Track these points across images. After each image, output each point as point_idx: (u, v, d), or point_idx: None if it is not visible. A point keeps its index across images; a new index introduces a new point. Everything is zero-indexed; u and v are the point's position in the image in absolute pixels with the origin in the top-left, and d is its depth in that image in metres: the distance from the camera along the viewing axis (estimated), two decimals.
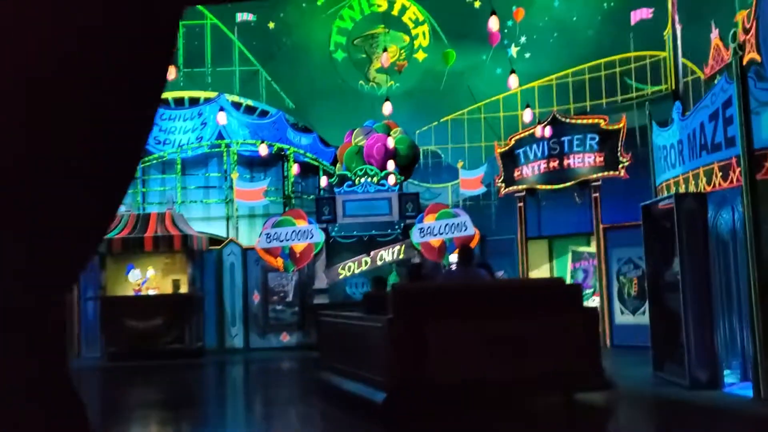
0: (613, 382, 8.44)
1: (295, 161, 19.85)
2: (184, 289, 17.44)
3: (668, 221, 10.23)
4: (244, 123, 19.82)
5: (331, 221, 17.61)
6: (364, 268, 17.38)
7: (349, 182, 18.08)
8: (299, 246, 17.27)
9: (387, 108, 15.06)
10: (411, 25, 22.94)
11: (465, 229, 16.92)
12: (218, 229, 19.73)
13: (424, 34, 22.88)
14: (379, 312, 7.93)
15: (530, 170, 16.77)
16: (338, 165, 18.82)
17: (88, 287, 18.01)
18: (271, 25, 22.91)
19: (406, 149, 18.23)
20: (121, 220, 17.45)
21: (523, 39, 22.13)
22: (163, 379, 14.28)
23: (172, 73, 12.20)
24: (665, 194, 10.89)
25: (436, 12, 22.91)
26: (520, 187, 16.93)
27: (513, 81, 14.25)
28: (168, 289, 17.49)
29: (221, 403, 11.71)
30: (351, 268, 17.42)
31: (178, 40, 23.57)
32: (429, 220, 17.39)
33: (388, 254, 17.40)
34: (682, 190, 10.04)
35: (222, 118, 15.39)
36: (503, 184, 17.33)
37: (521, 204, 17.05)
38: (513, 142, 17.21)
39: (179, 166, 19.71)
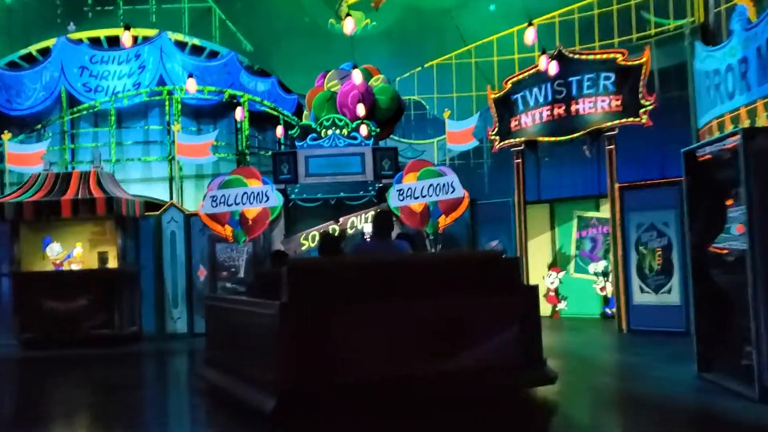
0: (555, 375, 7.24)
1: (249, 110, 16.91)
2: (113, 263, 14.63)
3: (724, 171, 7.55)
4: (190, 65, 16.81)
5: (292, 181, 14.82)
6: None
7: (314, 135, 15.26)
8: (252, 211, 14.51)
9: (349, 26, 12.06)
10: None
11: (452, 191, 14.20)
12: (161, 193, 16.88)
13: None
14: (271, 295, 6.22)
15: (530, 119, 14.00)
16: (305, 113, 15.93)
17: (2, 261, 15.16)
18: None
19: (388, 101, 15.48)
20: (37, 181, 14.53)
21: None
22: (74, 373, 11.49)
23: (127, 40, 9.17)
24: (713, 136, 8.10)
25: None
26: (517, 140, 14.19)
27: (530, 35, 11.39)
28: (95, 264, 14.67)
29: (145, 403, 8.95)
30: (316, 237, 14.66)
31: None
32: (409, 180, 14.64)
33: (360, 221, 14.65)
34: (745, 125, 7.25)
35: (192, 85, 12.34)
36: (497, 138, 14.57)
37: (519, 161, 14.32)
38: (509, 85, 14.40)
39: (113, 118, 16.80)
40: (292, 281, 6.05)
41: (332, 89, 15.90)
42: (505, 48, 19.06)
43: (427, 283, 6.70)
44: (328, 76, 16.02)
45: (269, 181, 14.72)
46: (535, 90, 13.93)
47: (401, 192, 14.57)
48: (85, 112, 17.04)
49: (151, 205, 15.86)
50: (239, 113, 14.13)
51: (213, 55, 17.49)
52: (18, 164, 15.87)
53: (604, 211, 13.80)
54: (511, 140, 14.32)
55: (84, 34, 17.49)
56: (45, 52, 17.36)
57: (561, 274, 14.63)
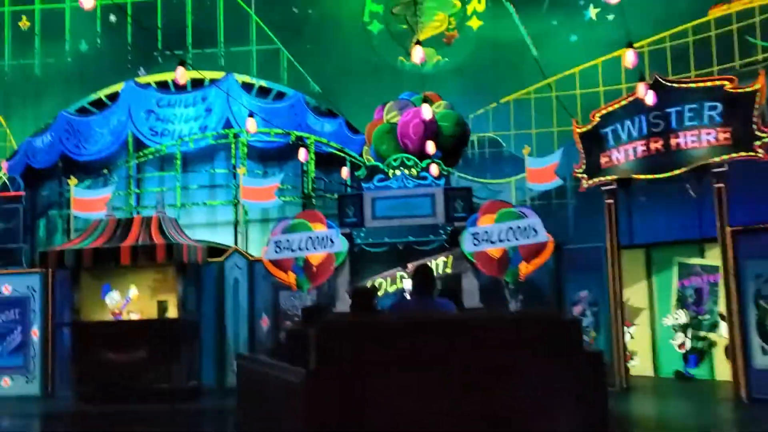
0: None
1: (315, 152, 16.23)
2: (173, 312, 14.01)
3: None
4: (256, 107, 16.35)
5: (357, 225, 13.90)
6: (400, 285, 13.55)
7: (381, 175, 14.33)
8: (316, 257, 13.65)
9: (417, 54, 11.05)
10: None
11: (534, 235, 12.90)
12: (225, 238, 16.29)
13: None
14: (299, 358, 5.31)
15: (623, 154, 12.65)
16: (365, 148, 15.03)
17: (64, 310, 14.85)
18: None
19: (452, 127, 14.38)
20: (98, 227, 14.18)
21: None
22: None
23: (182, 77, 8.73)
24: None
25: None
26: (608, 177, 12.84)
27: (630, 57, 10.22)
28: (155, 313, 14.10)
29: None
30: (383, 285, 13.61)
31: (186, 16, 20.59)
32: (485, 223, 13.43)
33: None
34: None
35: (252, 125, 11.77)
36: (585, 176, 13.24)
37: (610, 201, 12.93)
38: (598, 118, 13.13)
39: (179, 162, 16.46)
40: (322, 344, 5.01)
41: (391, 120, 14.85)
42: (589, 80, 17.80)
43: (474, 348, 5.63)
44: (386, 107, 15.05)
45: (334, 226, 13.85)
46: (628, 123, 12.60)
47: (476, 236, 13.37)
48: (150, 157, 16.81)
49: (215, 250, 15.29)
50: (302, 154, 13.45)
51: (280, 96, 17.04)
52: (83, 210, 15.69)
53: (711, 258, 12.18)
54: (601, 178, 12.96)
55: (152, 78, 17.42)
56: (114, 97, 17.35)
57: (632, 329, 13.01)
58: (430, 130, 14.24)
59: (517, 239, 13.17)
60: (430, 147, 13.61)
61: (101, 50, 20.45)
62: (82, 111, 17.68)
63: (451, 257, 13.54)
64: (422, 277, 6.28)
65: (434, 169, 13.72)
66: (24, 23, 20.92)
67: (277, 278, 14.00)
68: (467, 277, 13.41)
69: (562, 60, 18.10)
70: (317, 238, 13.75)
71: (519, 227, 13.22)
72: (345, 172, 14.51)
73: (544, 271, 13.50)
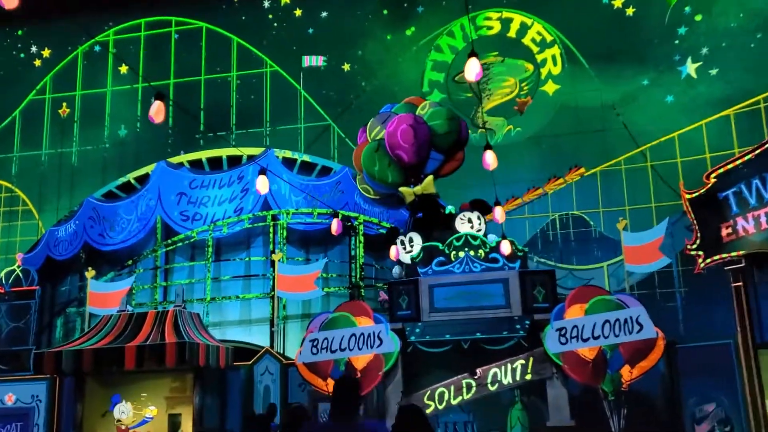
0: None
1: (365, 234, 14.21)
2: (188, 429, 11.82)
3: None
4: (298, 184, 14.63)
5: (412, 319, 11.62)
6: (467, 396, 11.01)
7: (441, 257, 12.11)
8: (361, 359, 11.39)
9: (489, 159, 9.20)
10: (535, 48, 17.37)
11: (639, 330, 10.26)
12: (262, 337, 14.21)
13: (554, 58, 17.19)
14: None
15: (752, 223, 10.06)
16: (358, 178, 13.63)
17: (68, 425, 12.92)
18: (347, 67, 18.30)
19: (444, 123, 13.01)
20: (107, 324, 12.38)
21: (704, 50, 15.76)
22: None
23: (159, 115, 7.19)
24: None
25: (570, 28, 17.26)
26: (734, 253, 10.17)
27: None
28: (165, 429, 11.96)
29: None
30: (445, 396, 11.09)
31: (231, 96, 19.62)
32: (574, 315, 10.90)
33: (505, 373, 10.91)
34: None
35: (263, 184, 9.97)
36: (701, 253, 10.62)
37: (739, 284, 10.22)
38: (714, 179, 10.63)
39: (210, 249, 14.76)
40: None
41: (377, 138, 13.46)
42: (691, 146, 15.38)
43: None
44: (369, 126, 13.72)
45: (383, 320, 11.58)
46: (757, 182, 10.06)
47: (563, 332, 10.78)
48: (180, 244, 15.21)
49: (246, 352, 13.19)
50: (335, 226, 11.50)
51: (325, 172, 15.31)
52: (99, 306, 14.05)
53: None
54: (725, 255, 10.30)
55: (185, 157, 16.13)
56: (144, 180, 16.07)
57: None
58: (421, 133, 12.95)
59: (616, 335, 10.50)
60: (505, 247, 11.27)
61: (140, 135, 19.59)
62: (110, 196, 16.44)
63: (531, 359, 10.94)
64: (344, 391, 5.02)
65: (506, 247, 11.38)
66: (64, 110, 20.43)
67: (313, 386, 11.68)
68: (553, 385, 10.73)
69: (656, 124, 15.83)
70: (362, 335, 11.50)
71: (618, 320, 10.57)
72: (393, 252, 12.34)
73: (655, 378, 10.69)
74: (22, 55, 21.12)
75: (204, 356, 11.71)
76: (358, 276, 14.05)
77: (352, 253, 14.32)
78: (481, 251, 12.08)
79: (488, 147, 8.86)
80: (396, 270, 13.36)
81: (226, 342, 13.26)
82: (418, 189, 13.14)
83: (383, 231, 14.26)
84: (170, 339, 11.61)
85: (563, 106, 16.94)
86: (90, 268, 14.63)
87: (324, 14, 18.97)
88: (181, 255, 15.57)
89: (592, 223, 15.45)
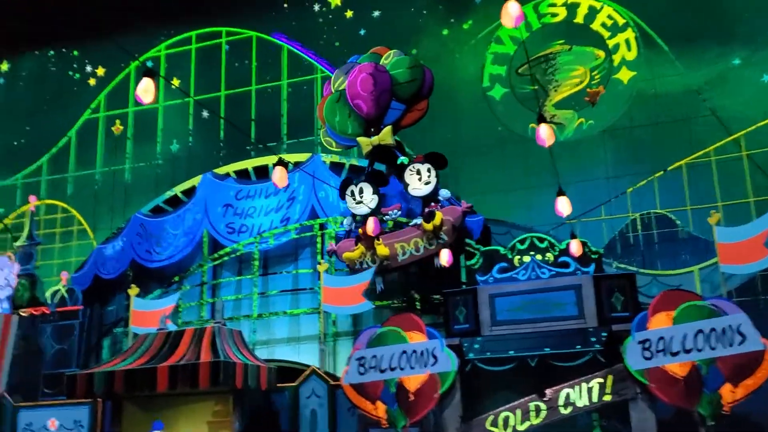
0: None
1: None
2: None
3: None
4: None
5: (471, 333, 10.41)
6: (536, 421, 9.64)
7: (503, 264, 10.83)
8: (414, 380, 10.21)
9: (544, 133, 8.06)
10: (606, 33, 15.88)
11: (741, 341, 8.65)
12: (311, 356, 13.20)
13: (628, 43, 15.65)
14: None
15: None
16: (322, 131, 13.84)
17: None
18: None
19: (406, 72, 12.89)
20: (143, 343, 11.65)
21: None
22: None
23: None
24: None
25: (644, 8, 15.70)
26: None
27: None
28: None
29: None
30: (510, 421, 9.76)
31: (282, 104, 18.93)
32: (660, 324, 9.37)
33: (580, 394, 9.48)
34: None
35: (280, 177, 8.97)
36: None
37: None
38: None
39: (257, 263, 13.95)
40: None
41: (340, 88, 13.29)
42: None
43: None
44: (333, 77, 13.71)
45: (438, 335, 10.37)
46: None
47: (647, 344, 9.27)
48: (226, 258, 14.46)
49: (295, 372, 12.22)
50: (371, 225, 10.54)
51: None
52: (141, 325, 13.44)
53: None
54: None
55: (230, 168, 15.42)
56: (190, 193, 15.44)
57: None
58: (382, 81, 12.66)
59: (712, 348, 8.93)
60: (575, 247, 10.01)
61: (192, 149, 19.12)
62: (157, 211, 15.90)
63: (610, 377, 9.48)
64: None
65: (575, 247, 9.99)
66: (117, 128, 20.25)
67: (362, 410, 10.55)
68: (637, 408, 9.23)
69: (751, 108, 14.05)
70: (414, 352, 10.37)
71: (714, 330, 9.00)
72: (445, 256, 11.11)
73: (764, 399, 8.98)
74: (77, 76, 21.14)
75: (241, 377, 10.79)
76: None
77: None
78: (549, 254, 10.75)
79: (542, 119, 7.57)
80: (346, 221, 13.05)
81: (271, 362, 12.32)
82: (375, 139, 12.87)
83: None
84: (205, 358, 10.73)
85: (640, 94, 15.32)
86: (133, 286, 14.05)
87: (376, 13, 18.05)
88: (228, 269, 14.81)
89: (678, 222, 13.73)
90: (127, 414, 11.83)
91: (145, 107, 20.22)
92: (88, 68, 20.99)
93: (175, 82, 19.94)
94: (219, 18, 19.91)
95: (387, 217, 12.77)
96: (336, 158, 14.53)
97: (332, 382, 11.43)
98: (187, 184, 15.67)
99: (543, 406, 9.67)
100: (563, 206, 9.00)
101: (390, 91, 12.78)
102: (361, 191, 12.75)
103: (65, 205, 20.03)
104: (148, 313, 13.48)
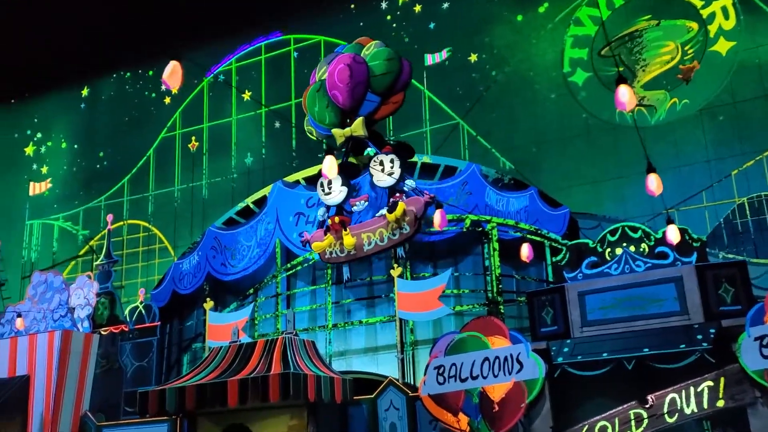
0: None
1: (499, 239, 12.21)
2: None
3: None
4: (419, 190, 12.98)
5: (559, 336, 9.53)
6: (637, 431, 8.63)
7: (592, 258, 9.93)
8: (498, 389, 9.44)
9: (624, 95, 7.21)
10: (699, 3, 14.65)
11: None
12: (390, 366, 12.62)
13: (725, 10, 14.36)
14: None
15: None
16: (305, 119, 13.82)
17: None
18: (473, 58, 16.56)
19: (383, 64, 12.82)
20: (216, 356, 11.39)
21: None
22: None
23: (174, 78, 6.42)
24: None
25: None
26: None
27: None
28: None
29: None
30: (607, 431, 8.79)
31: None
32: None
33: (688, 400, 8.44)
34: None
35: (329, 166, 8.67)
36: None
37: None
38: None
39: (330, 272, 13.46)
40: None
41: (322, 78, 13.35)
42: None
43: None
44: (318, 66, 13.81)
45: (522, 339, 9.54)
46: None
47: (766, 341, 8.11)
48: (299, 268, 14.08)
49: (373, 384, 11.63)
50: (526, 251, 10.17)
51: (450, 172, 13.54)
52: (216, 338, 13.23)
53: None
54: None
55: (300, 174, 15.11)
56: (262, 203, 15.22)
57: None
58: (358, 72, 12.59)
59: None
60: (673, 234, 9.02)
61: (266, 160, 19.06)
62: (231, 223, 15.78)
63: (722, 380, 8.41)
64: None
65: (673, 233, 8.96)
66: (193, 144, 20.49)
67: (443, 423, 9.84)
68: (757, 414, 8.12)
69: None
70: (497, 359, 9.58)
71: None
72: (525, 250, 10.27)
73: None
74: (153, 95, 21.60)
75: (314, 389, 10.29)
76: (495, 290, 12.04)
77: (486, 263, 12.36)
78: (644, 245, 9.75)
79: (621, 80, 6.70)
80: (320, 212, 13.14)
81: (348, 373, 11.79)
82: (347, 131, 12.95)
83: (521, 234, 12.17)
84: (276, 370, 10.32)
85: (742, 66, 14.01)
86: (208, 299, 13.90)
87: (445, 5, 17.46)
88: (302, 279, 14.44)
89: None
90: (204, 431, 11.59)
91: (219, 121, 20.39)
92: (164, 87, 21.36)
93: (246, 95, 19.99)
94: (287, 26, 19.86)
95: (354, 208, 12.85)
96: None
97: (411, 394, 10.77)
98: (258, 194, 15.47)
99: (645, 414, 8.67)
100: (653, 184, 8.03)
101: (365, 82, 12.76)
102: (330, 183, 12.84)
103: (146, 224, 20.42)
104: (224, 327, 13.26)
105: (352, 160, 13.30)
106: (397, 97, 13.27)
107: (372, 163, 12.53)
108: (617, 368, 8.90)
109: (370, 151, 12.95)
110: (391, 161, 12.39)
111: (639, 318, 9.16)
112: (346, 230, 12.50)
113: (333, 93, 13.10)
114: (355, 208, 13.00)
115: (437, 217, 9.79)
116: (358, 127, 12.86)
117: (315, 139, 14.34)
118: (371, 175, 12.71)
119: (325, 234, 12.75)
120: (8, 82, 22.53)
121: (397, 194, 12.29)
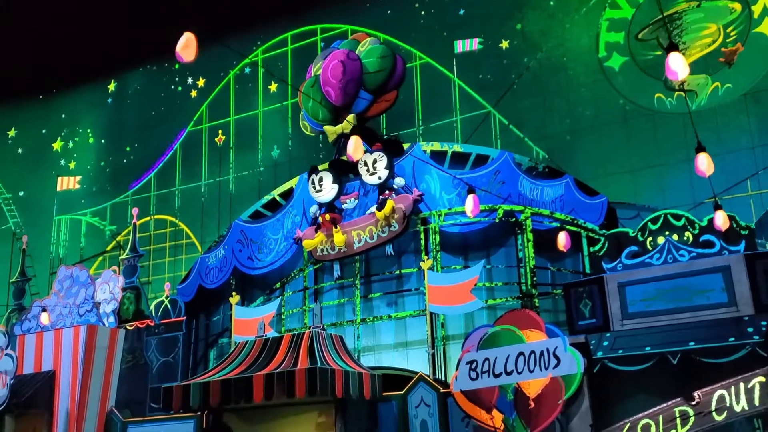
0: None
1: (534, 229, 11.81)
2: None
3: None
4: (448, 179, 12.64)
5: (598, 329, 9.14)
6: (682, 430, 8.25)
7: (633, 247, 9.52)
8: (533, 384, 9.09)
9: (676, 63, 6.67)
10: None
11: None
12: (421, 362, 12.29)
13: None
14: None
15: None
16: (300, 114, 14.30)
17: None
18: (505, 44, 16.14)
19: (376, 61, 12.90)
20: (242, 351, 11.19)
21: None
22: None
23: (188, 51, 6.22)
24: None
25: None
26: None
27: None
28: None
29: None
30: (651, 430, 8.40)
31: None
32: None
33: (737, 396, 7.99)
34: None
35: (355, 147, 8.43)
36: None
37: None
38: None
39: (357, 265, 13.18)
40: None
41: (317, 73, 13.52)
42: None
43: None
44: (314, 61, 14.00)
45: (559, 332, 9.16)
46: None
47: None
48: (327, 262, 13.76)
49: (403, 380, 11.33)
50: (563, 239, 9.84)
51: (481, 161, 13.16)
52: (242, 333, 13.03)
53: None
54: None
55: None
56: (288, 195, 14.98)
57: None
58: (351, 69, 12.70)
59: None
60: (721, 220, 8.59)
61: (292, 153, 18.84)
62: (257, 216, 15.57)
63: None
64: None
65: (721, 219, 8.50)
66: (219, 138, 20.35)
67: (476, 420, 9.50)
68: None
69: None
70: (533, 353, 9.17)
71: None
72: (563, 239, 9.87)
73: None
74: (179, 89, 21.52)
75: (342, 385, 10.01)
76: (529, 282, 11.65)
77: (520, 255, 11.96)
78: (687, 234, 9.30)
79: (672, 47, 6.26)
80: (313, 209, 13.17)
81: (377, 369, 11.49)
82: (338, 128, 13.10)
83: (557, 224, 11.75)
84: (302, 365, 10.06)
85: None
86: (234, 294, 13.71)
87: None
88: (330, 273, 14.16)
89: None
90: (231, 427, 11.39)
91: (245, 114, 20.22)
92: (189, 80, 21.29)
93: (273, 87, 19.81)
94: (313, 15, 19.61)
95: (345, 205, 12.93)
96: (437, 146, 13.58)
97: (442, 390, 10.45)
98: (285, 186, 15.23)
99: (691, 411, 8.24)
100: (704, 164, 7.57)
101: (358, 79, 12.88)
102: (321, 180, 13.00)
103: (173, 219, 20.34)
104: (250, 321, 13.05)
105: (343, 158, 13.26)
106: (390, 95, 13.47)
107: (360, 162, 12.59)
108: (661, 363, 8.47)
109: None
110: (375, 161, 12.49)
111: (684, 310, 8.73)
112: (336, 228, 12.61)
113: (326, 89, 13.25)
114: (345, 205, 13.14)
115: (470, 203, 9.43)
116: (348, 125, 13.04)
117: (309, 134, 14.56)
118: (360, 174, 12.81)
119: (316, 231, 12.90)
120: (36, 78, 22.66)
121: (386, 192, 12.37)
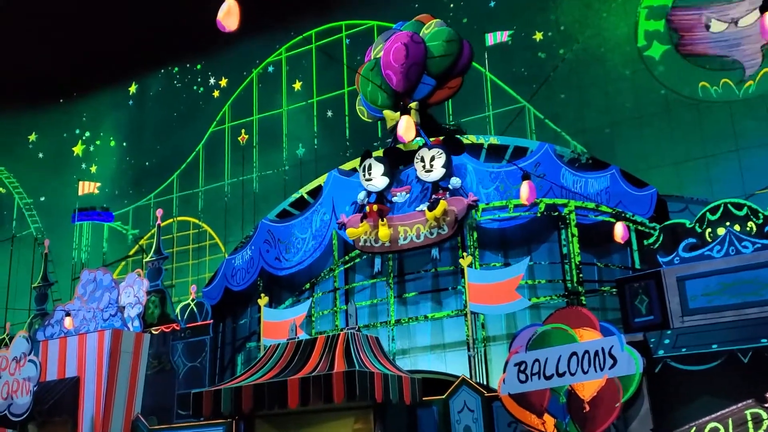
0: None
1: (578, 223, 11.26)
2: None
3: None
4: (484, 173, 12.13)
5: (657, 326, 8.60)
6: None
7: (691, 240, 8.96)
8: (589, 386, 8.55)
9: None
10: None
11: None
12: (460, 365, 11.77)
13: None
14: None
15: None
16: (357, 99, 13.72)
17: None
18: (538, 36, 15.62)
19: (442, 45, 12.21)
20: (274, 354, 10.72)
21: None
22: None
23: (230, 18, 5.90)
24: None
25: None
26: None
27: None
28: None
29: None
30: None
31: None
32: None
33: None
34: None
35: (407, 127, 8.03)
36: None
37: None
38: None
39: (391, 263, 12.69)
40: None
41: (378, 56, 12.83)
42: None
43: None
44: (374, 44, 13.32)
45: (615, 330, 8.61)
46: None
47: None
48: (358, 260, 13.33)
49: (443, 384, 10.81)
50: (620, 230, 9.25)
51: (520, 152, 12.63)
52: (272, 336, 12.62)
53: None
54: None
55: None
56: (317, 193, 14.54)
57: None
58: (415, 52, 12.04)
59: None
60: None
61: (318, 151, 18.41)
62: (284, 215, 15.14)
63: None
64: None
65: None
66: (242, 137, 19.99)
67: (526, 425, 8.95)
68: None
69: None
70: (587, 353, 8.70)
71: None
72: (621, 230, 9.33)
73: None
74: (201, 89, 21.22)
75: (381, 389, 9.50)
76: (574, 279, 11.09)
77: (564, 251, 11.41)
78: (750, 224, 8.72)
79: (766, 7, 5.71)
80: (361, 195, 12.53)
81: (414, 372, 10.97)
82: (398, 114, 12.15)
83: (602, 218, 11.19)
84: (339, 369, 9.56)
85: None
86: (263, 295, 13.27)
87: None
88: (361, 273, 13.68)
89: None
90: None
91: (269, 113, 19.84)
92: (212, 80, 20.97)
93: (297, 85, 19.42)
94: (337, 12, 19.22)
95: (395, 198, 12.26)
96: (473, 139, 13.06)
97: (487, 394, 9.91)
98: (313, 184, 14.80)
99: (764, 414, 7.65)
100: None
101: (422, 64, 12.21)
102: (370, 168, 12.28)
103: (196, 221, 19.98)
104: (280, 324, 12.61)
105: (400, 145, 12.63)
106: (455, 81, 12.76)
107: (416, 156, 11.95)
108: (729, 362, 7.89)
109: (419, 140, 12.30)
110: (432, 158, 11.82)
111: (752, 305, 8.14)
112: (383, 220, 11.90)
113: (387, 73, 12.59)
114: (395, 198, 12.46)
115: (525, 189, 8.91)
116: (414, 114, 12.33)
117: (366, 119, 13.78)
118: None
119: (362, 220, 12.24)
120: (56, 82, 22.45)
121: (440, 191, 11.71)
